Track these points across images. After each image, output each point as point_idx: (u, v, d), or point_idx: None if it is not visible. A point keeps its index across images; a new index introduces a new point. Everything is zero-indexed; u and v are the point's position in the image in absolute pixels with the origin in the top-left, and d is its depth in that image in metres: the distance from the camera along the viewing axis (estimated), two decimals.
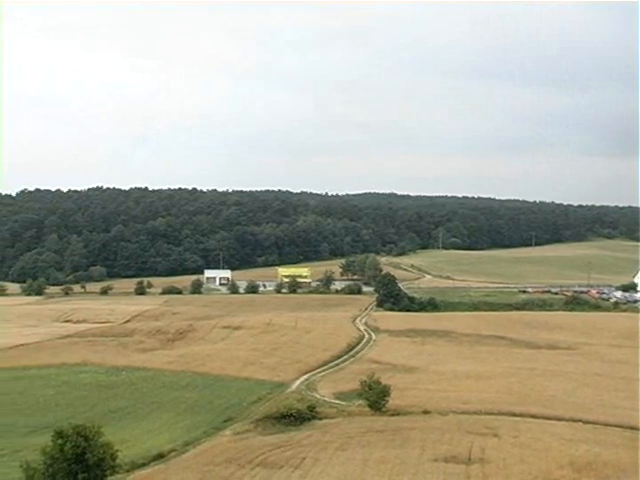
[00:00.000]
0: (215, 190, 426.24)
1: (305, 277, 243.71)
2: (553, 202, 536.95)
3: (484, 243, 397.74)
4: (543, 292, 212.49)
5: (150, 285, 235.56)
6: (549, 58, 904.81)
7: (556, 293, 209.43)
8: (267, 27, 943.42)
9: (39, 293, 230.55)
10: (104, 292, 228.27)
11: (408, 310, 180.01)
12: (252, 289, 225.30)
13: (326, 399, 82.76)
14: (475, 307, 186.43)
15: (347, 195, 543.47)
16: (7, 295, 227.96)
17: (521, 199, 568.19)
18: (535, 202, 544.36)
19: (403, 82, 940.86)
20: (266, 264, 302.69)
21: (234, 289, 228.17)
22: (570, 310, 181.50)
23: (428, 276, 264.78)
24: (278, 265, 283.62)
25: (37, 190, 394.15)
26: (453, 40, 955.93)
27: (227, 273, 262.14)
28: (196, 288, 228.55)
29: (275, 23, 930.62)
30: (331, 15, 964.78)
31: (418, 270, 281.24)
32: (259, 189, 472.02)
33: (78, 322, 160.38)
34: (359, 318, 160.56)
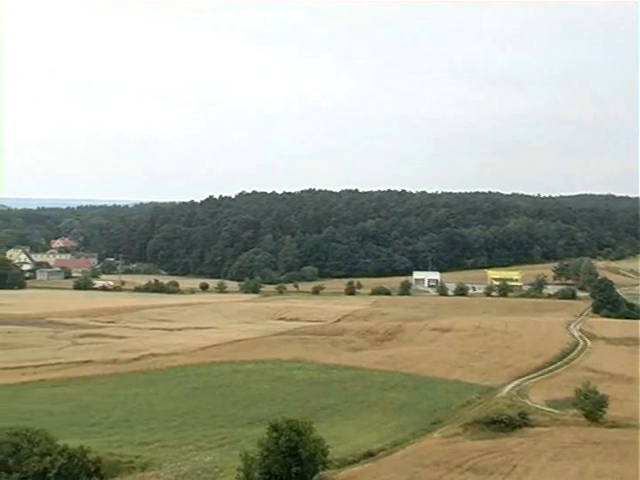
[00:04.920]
0: (424, 192, 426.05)
1: (516, 280, 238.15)
2: None
3: None
4: None
5: (360, 285, 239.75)
6: None
7: None
8: (470, 26, 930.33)
9: (255, 291, 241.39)
10: (316, 292, 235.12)
11: (627, 317, 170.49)
12: (461, 291, 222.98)
13: (538, 406, 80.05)
14: None
15: (560, 197, 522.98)
16: (227, 292, 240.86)
17: None
18: None
19: (620, 79, 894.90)
20: (475, 266, 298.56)
21: (443, 291, 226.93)
22: None
23: None
24: (488, 268, 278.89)
25: (254, 192, 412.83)
26: None
27: (436, 275, 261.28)
28: (405, 289, 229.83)
29: (478, 21, 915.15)
30: (544, 10, 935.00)
31: (638, 275, 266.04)
32: (468, 191, 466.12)
33: (291, 320, 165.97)
34: (573, 324, 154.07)
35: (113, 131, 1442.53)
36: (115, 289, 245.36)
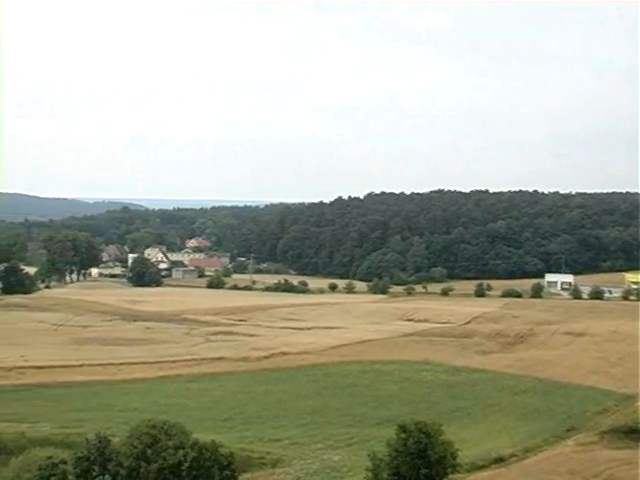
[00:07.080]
0: (557, 192, 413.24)
1: None
2: None
3: None
4: None
5: (489, 287, 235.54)
6: None
7: None
8: (613, 22, 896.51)
9: (384, 292, 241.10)
10: (444, 293, 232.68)
11: None
12: (596, 295, 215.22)
13: None
14: None
15: None
16: (355, 293, 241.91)
17: None
18: None
19: None
20: (612, 269, 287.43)
21: (576, 294, 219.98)
22: None
23: None
24: (625, 271, 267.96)
25: (382, 193, 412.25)
26: None
27: (569, 277, 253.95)
28: (536, 292, 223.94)
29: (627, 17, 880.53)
30: None
31: None
32: (604, 191, 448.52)
33: (420, 321, 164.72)
34: None
35: (246, 133, 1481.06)
36: (246, 288, 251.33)
